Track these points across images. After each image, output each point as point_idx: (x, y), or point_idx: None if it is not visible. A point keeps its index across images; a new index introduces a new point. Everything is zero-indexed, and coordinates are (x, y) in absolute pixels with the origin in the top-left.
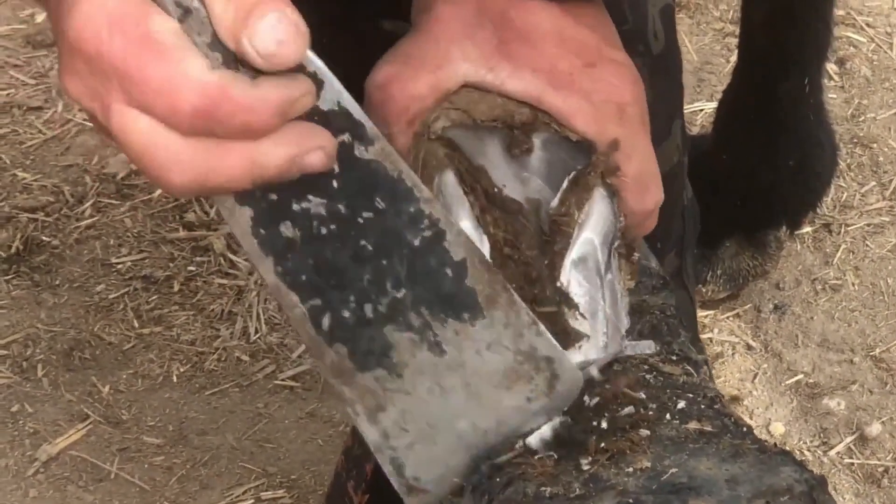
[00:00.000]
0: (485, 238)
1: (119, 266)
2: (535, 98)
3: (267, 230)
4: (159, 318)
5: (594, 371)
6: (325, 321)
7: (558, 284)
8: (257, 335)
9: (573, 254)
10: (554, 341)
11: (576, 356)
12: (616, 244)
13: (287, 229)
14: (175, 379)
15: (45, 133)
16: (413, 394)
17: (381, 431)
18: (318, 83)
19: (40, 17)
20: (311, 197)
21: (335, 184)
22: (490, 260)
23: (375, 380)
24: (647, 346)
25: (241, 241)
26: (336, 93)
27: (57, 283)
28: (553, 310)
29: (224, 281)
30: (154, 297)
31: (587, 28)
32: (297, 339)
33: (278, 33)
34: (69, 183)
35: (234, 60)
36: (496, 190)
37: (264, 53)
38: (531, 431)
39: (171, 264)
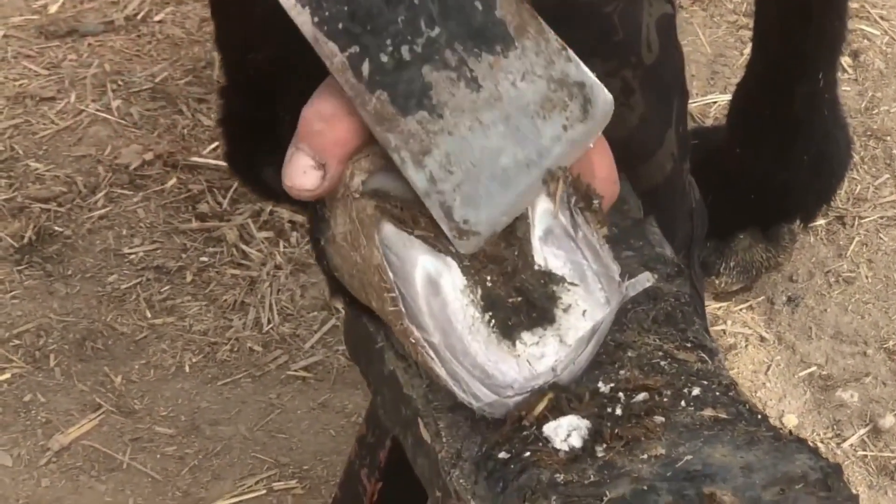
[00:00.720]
0: (448, 259)
1: (131, 256)
2: None
3: None
4: (172, 309)
5: (607, 324)
6: (365, 67)
7: (536, 267)
8: (270, 326)
9: (537, 231)
10: (584, 66)
11: (584, 323)
12: (573, 201)
13: None
14: (187, 369)
15: (58, 124)
16: (455, 133)
17: (427, 176)
18: None
19: (53, 8)
20: None
21: None
22: (464, 278)
23: (418, 123)
24: (646, 279)
25: None
26: None
27: (69, 273)
28: (543, 292)
29: (236, 271)
30: (166, 288)
31: None
32: (341, 86)
33: None
34: (82, 173)
35: None
36: None
37: None
38: (568, 162)
39: (183, 255)
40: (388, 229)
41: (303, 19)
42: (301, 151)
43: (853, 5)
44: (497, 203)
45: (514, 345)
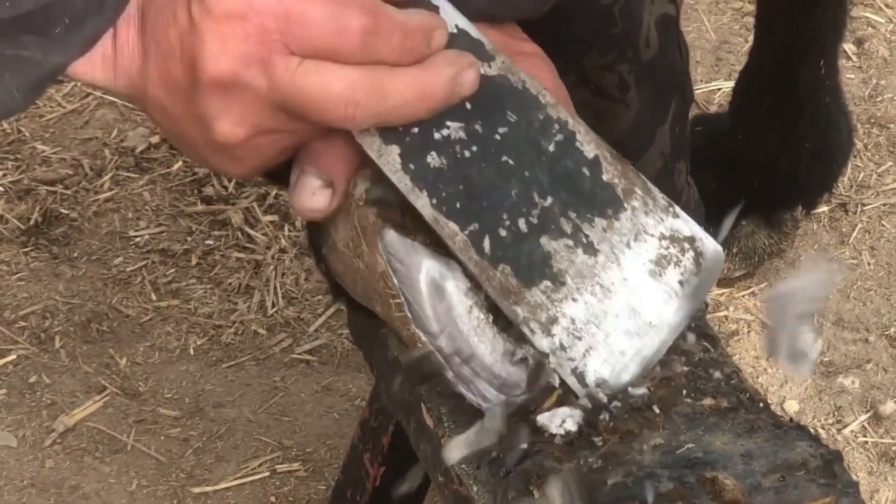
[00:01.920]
0: (452, 262)
1: (137, 239)
2: None
3: (416, 164)
4: (177, 292)
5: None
6: (486, 243)
7: None
8: (274, 309)
9: None
10: (692, 221)
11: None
12: None
13: (433, 159)
14: (192, 352)
15: (65, 106)
16: (579, 299)
17: (557, 344)
18: (434, 8)
19: None
20: (448, 123)
21: (468, 105)
22: (468, 280)
23: (542, 293)
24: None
25: (394, 180)
26: (452, 16)
27: (75, 255)
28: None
29: (241, 255)
30: (172, 271)
31: (490, 28)
32: (462, 265)
33: None
34: (88, 156)
35: None
36: None
37: None
38: (687, 318)
39: (188, 238)
40: (391, 236)
41: (422, 202)
42: (307, 173)
43: None
44: (625, 365)
45: (519, 344)
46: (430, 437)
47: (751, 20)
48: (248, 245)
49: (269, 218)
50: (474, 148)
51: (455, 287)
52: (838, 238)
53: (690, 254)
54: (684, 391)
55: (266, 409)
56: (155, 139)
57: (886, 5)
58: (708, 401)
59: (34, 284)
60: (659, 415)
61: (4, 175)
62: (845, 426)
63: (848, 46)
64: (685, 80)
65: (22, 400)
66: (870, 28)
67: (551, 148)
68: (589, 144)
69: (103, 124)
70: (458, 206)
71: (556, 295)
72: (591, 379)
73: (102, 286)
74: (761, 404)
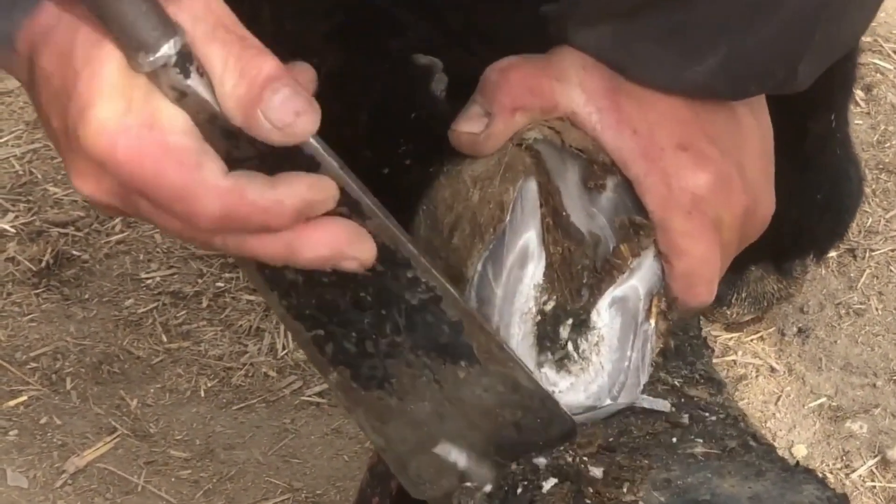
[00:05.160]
0: (544, 254)
1: (148, 281)
2: (622, 160)
3: (273, 271)
4: (188, 334)
5: (606, 412)
6: (329, 348)
7: (593, 319)
8: (284, 351)
9: (617, 291)
10: (550, 394)
11: (580, 396)
12: (658, 298)
13: (291, 273)
14: (202, 393)
15: None
16: (413, 415)
17: (384, 439)
18: (316, 165)
19: None
20: None
21: None
22: (543, 279)
23: (378, 399)
24: (662, 406)
25: (247, 275)
26: (334, 171)
27: (86, 297)
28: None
29: (252, 297)
30: (182, 313)
31: (692, 111)
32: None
33: (295, 105)
34: None
35: (233, 137)
36: (565, 214)
37: (281, 125)
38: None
39: (199, 280)
40: (532, 186)
41: (271, 300)
42: (474, 102)
43: (866, 39)
44: (449, 469)
45: (540, 357)
46: None
47: None
48: None
49: None
50: (334, 277)
51: (532, 272)
52: (846, 283)
53: (542, 416)
54: (692, 435)
55: (276, 451)
56: None
57: (894, 52)
58: (716, 442)
59: (45, 326)
60: (667, 456)
61: (16, 217)
62: (853, 471)
63: (856, 93)
64: None
65: (33, 441)
66: (878, 74)
67: (414, 301)
68: (455, 309)
69: None
70: (307, 312)
71: (391, 403)
72: (412, 471)
73: (114, 328)
74: (768, 447)
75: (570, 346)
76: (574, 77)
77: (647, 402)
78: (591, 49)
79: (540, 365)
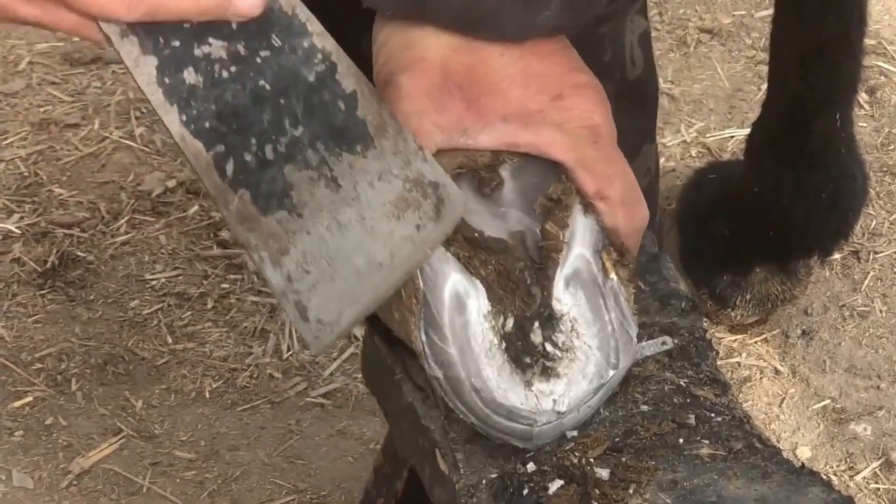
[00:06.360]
0: (478, 282)
1: (153, 282)
2: (511, 144)
3: (171, 78)
4: (192, 335)
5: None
6: (229, 167)
7: (556, 307)
8: (289, 353)
9: (565, 270)
10: (439, 167)
11: (590, 380)
12: (607, 251)
13: (190, 75)
14: (207, 395)
15: (82, 150)
16: (313, 232)
17: (284, 275)
18: None
19: None
20: (211, 40)
21: (234, 24)
22: (490, 304)
23: (278, 222)
24: (661, 342)
25: (146, 92)
26: None
27: (91, 298)
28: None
29: (257, 298)
30: (187, 314)
31: (550, 60)
32: (203, 191)
33: None
34: (105, 199)
35: None
36: (476, 235)
37: None
38: (419, 262)
39: (204, 281)
40: None
41: (171, 118)
42: None
43: (870, 42)
44: (350, 303)
45: (524, 377)
46: (445, 483)
47: (764, 68)
48: (264, 289)
49: None
50: (233, 69)
51: (476, 308)
52: (850, 285)
53: (432, 200)
54: (698, 436)
55: (281, 452)
56: (171, 183)
57: None
58: (722, 444)
59: (51, 327)
60: (673, 457)
61: (22, 218)
62: (857, 473)
63: (860, 95)
64: (657, 97)
65: (38, 442)
66: (882, 77)
67: (311, 78)
68: (350, 77)
69: (120, 168)
70: (206, 125)
71: (291, 226)
72: (312, 315)
73: (119, 329)
74: (773, 449)
75: (548, 347)
76: (429, 126)
77: (649, 349)
78: (447, 15)
79: (528, 384)
